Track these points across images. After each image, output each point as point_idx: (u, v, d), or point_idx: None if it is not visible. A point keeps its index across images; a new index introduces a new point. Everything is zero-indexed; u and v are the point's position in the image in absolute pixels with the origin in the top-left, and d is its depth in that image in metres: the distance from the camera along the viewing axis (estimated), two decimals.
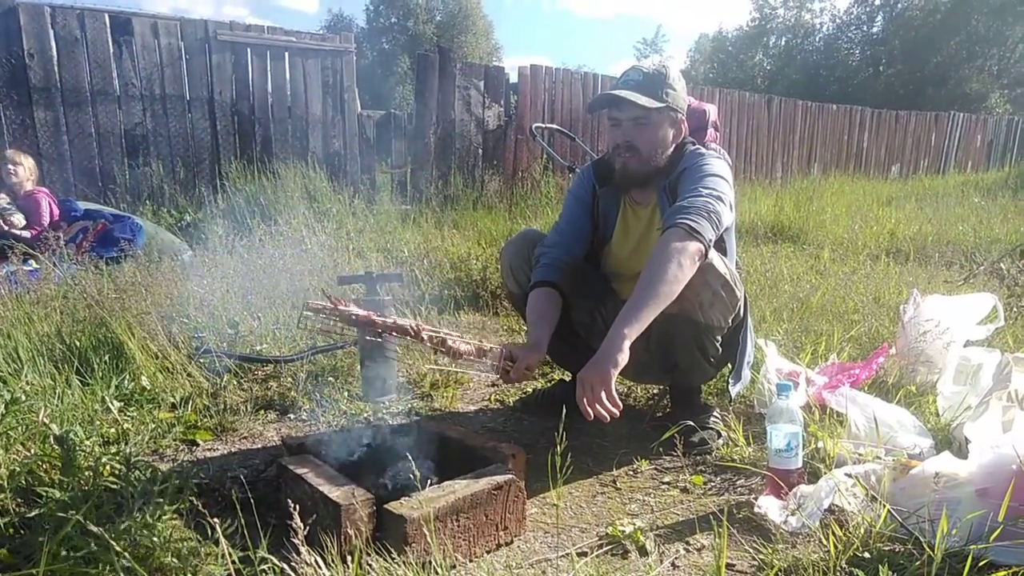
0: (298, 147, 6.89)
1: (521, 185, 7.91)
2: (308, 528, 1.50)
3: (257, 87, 6.69)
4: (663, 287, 1.77)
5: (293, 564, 1.09)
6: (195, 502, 1.56)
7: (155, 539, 1.37)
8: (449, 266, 4.12)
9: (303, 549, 1.08)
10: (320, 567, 1.10)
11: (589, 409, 1.64)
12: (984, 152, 14.71)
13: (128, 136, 6.17)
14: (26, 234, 4.10)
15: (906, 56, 22.94)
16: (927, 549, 1.24)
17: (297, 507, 1.20)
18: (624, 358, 1.71)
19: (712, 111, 2.42)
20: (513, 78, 8.09)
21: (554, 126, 5.47)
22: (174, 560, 1.35)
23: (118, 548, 1.34)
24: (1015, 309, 2.75)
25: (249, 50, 6.60)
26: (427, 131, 7.52)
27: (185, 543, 1.40)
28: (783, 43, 30.34)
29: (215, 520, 1.22)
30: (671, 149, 2.04)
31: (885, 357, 2.29)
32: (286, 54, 6.81)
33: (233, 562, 1.21)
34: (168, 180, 6.20)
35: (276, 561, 1.17)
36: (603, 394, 1.65)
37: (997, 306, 2.25)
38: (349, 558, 1.18)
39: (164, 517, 1.49)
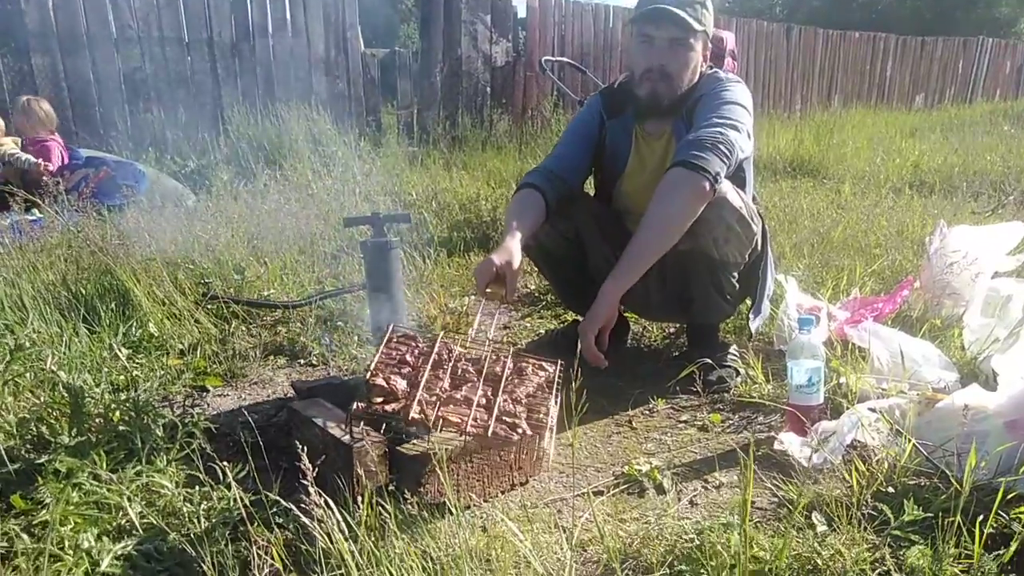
0: (301, 89, 6.72)
1: (531, 124, 7.71)
2: (320, 471, 1.49)
3: (257, 27, 6.49)
4: (662, 232, 1.74)
5: (304, 507, 1.07)
6: (206, 447, 1.55)
7: (167, 484, 1.36)
8: (458, 208, 4.04)
9: (312, 490, 1.05)
10: (332, 509, 1.07)
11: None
12: (1013, 79, 14.16)
13: (128, 81, 6.03)
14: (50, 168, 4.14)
15: None
16: (954, 482, 1.19)
17: (306, 449, 1.17)
18: (608, 313, 1.73)
19: (730, 39, 2.29)
20: (521, 12, 7.80)
21: (565, 59, 5.29)
22: (186, 505, 1.34)
23: (128, 493, 1.33)
24: None
25: None
26: (433, 69, 7.31)
27: (197, 488, 1.39)
28: None
29: (225, 464, 1.20)
30: (696, 77, 1.93)
31: (910, 290, 2.22)
32: None
33: (245, 506, 1.19)
34: (170, 126, 6.09)
35: (287, 505, 1.15)
36: (586, 345, 1.69)
37: None
38: (361, 500, 1.15)
39: (175, 462, 1.48)
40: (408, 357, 1.63)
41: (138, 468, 1.40)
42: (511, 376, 1.63)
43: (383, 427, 1.45)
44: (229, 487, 1.32)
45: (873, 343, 1.84)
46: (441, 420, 1.42)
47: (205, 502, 1.36)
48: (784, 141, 6.44)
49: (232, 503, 1.31)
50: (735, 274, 1.93)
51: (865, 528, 1.17)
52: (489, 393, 1.54)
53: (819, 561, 1.07)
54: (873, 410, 1.49)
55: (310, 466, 1.08)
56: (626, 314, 2.37)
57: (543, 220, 1.91)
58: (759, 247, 1.93)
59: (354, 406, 1.45)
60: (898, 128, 7.93)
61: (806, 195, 4.44)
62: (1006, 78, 14.04)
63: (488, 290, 1.72)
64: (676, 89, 1.89)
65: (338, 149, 5.84)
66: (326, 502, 1.08)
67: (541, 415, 1.52)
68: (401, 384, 1.53)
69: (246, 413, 1.83)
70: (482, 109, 7.61)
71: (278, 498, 1.17)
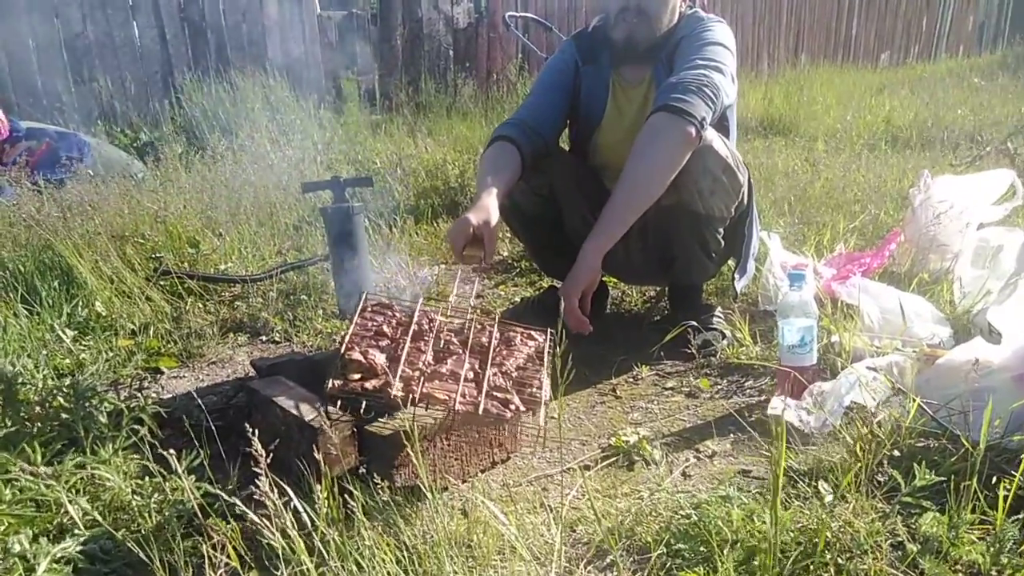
0: (255, 54, 6.42)
1: (496, 88, 7.49)
2: (281, 455, 1.37)
3: None
4: (645, 184, 1.61)
5: (257, 497, 0.95)
6: (158, 433, 1.42)
7: (111, 476, 1.23)
8: (424, 174, 3.88)
9: (264, 479, 0.93)
10: (290, 498, 0.96)
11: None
12: (976, 35, 14.24)
13: (69, 48, 5.68)
14: None
15: None
16: (966, 443, 1.12)
17: (266, 432, 1.06)
18: (591, 274, 1.61)
19: None
20: None
21: (530, 15, 5.10)
22: (135, 498, 1.22)
23: (68, 488, 1.20)
24: None
25: None
26: (393, 33, 7.05)
27: (148, 479, 1.26)
28: None
29: (170, 453, 1.07)
30: (676, 16, 1.81)
31: (896, 244, 2.15)
32: None
33: (196, 498, 1.07)
34: (119, 96, 5.77)
35: (230, 500, 1.03)
36: (568, 309, 1.58)
37: (1015, 183, 2.09)
38: (323, 487, 1.04)
39: (123, 452, 1.35)
40: (385, 328, 1.50)
41: (79, 459, 1.27)
42: (499, 347, 1.51)
43: (355, 406, 1.33)
44: (184, 476, 1.21)
45: (863, 299, 1.76)
46: (427, 397, 1.30)
47: (157, 494, 1.24)
48: (754, 100, 6.36)
49: (186, 495, 1.19)
50: (720, 230, 1.84)
51: (873, 495, 1.10)
52: (476, 366, 1.42)
53: (828, 534, 1.00)
54: (872, 369, 1.42)
55: (263, 451, 0.96)
56: (604, 278, 2.27)
57: (519, 175, 1.78)
58: (745, 201, 1.84)
59: (329, 384, 1.31)
60: (866, 85, 7.88)
61: (780, 153, 4.37)
62: (968, 34, 14.10)
63: (465, 253, 1.57)
64: (655, 30, 1.77)
65: (297, 117, 5.61)
66: (281, 491, 0.96)
67: (534, 389, 1.41)
68: (380, 358, 1.39)
69: (203, 395, 1.70)
70: (445, 73, 7.37)
71: (220, 491, 1.05)
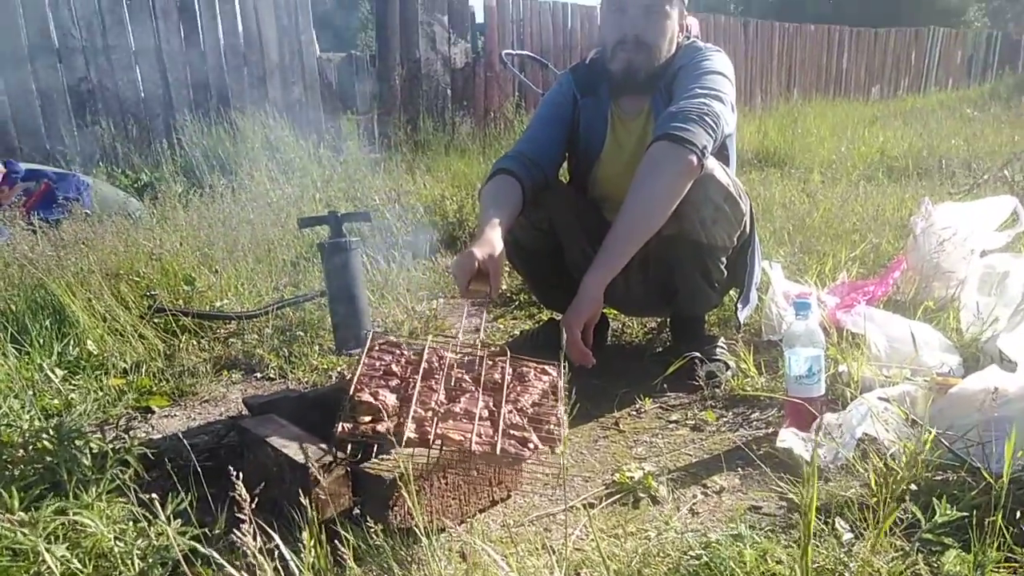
0: (256, 96, 6.49)
1: (494, 126, 7.57)
2: (274, 497, 1.32)
3: (207, 33, 6.24)
4: (647, 214, 1.58)
5: (239, 546, 0.90)
6: (144, 476, 1.37)
7: (92, 521, 1.17)
8: (423, 210, 3.88)
9: (246, 526, 0.88)
10: (276, 543, 0.91)
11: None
12: (964, 68, 14.46)
13: (73, 93, 5.74)
14: None
15: None
16: (987, 476, 1.08)
17: (246, 473, 1.01)
18: (593, 306, 1.56)
19: (695, 25, 2.18)
20: (479, 14, 7.66)
21: (525, 53, 5.17)
22: (117, 544, 1.17)
23: (32, 537, 1.15)
24: None
25: None
26: (391, 73, 7.13)
27: (131, 524, 1.21)
28: None
29: (152, 496, 1.02)
30: (674, 47, 1.81)
31: (900, 272, 2.12)
32: None
33: (179, 545, 1.02)
34: (120, 139, 5.81)
35: (206, 551, 0.97)
36: (570, 342, 1.52)
37: (1018, 209, 2.07)
38: (314, 532, 0.99)
39: (106, 495, 1.30)
40: (394, 367, 1.43)
41: (60, 504, 1.22)
42: (512, 383, 1.44)
43: (354, 447, 1.27)
44: (169, 521, 1.16)
45: (869, 328, 1.73)
46: (441, 438, 1.23)
47: (140, 540, 1.19)
48: (748, 133, 6.41)
49: (172, 540, 1.14)
50: (723, 259, 1.81)
51: (892, 532, 1.05)
52: (491, 404, 1.35)
53: (847, 574, 0.94)
54: (884, 399, 1.37)
55: (247, 495, 0.91)
56: (604, 310, 2.23)
57: (521, 208, 1.75)
58: (747, 230, 1.81)
59: (338, 427, 1.26)
60: (859, 118, 7.97)
61: (776, 185, 4.38)
62: (957, 67, 14.33)
63: (471, 287, 1.53)
64: (653, 60, 1.76)
65: (296, 156, 5.64)
66: (268, 536, 0.91)
67: (552, 426, 1.34)
68: (391, 399, 1.33)
69: (194, 435, 1.66)
70: (443, 112, 7.45)
71: (201, 538, 1.00)
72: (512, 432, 1.28)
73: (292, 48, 6.72)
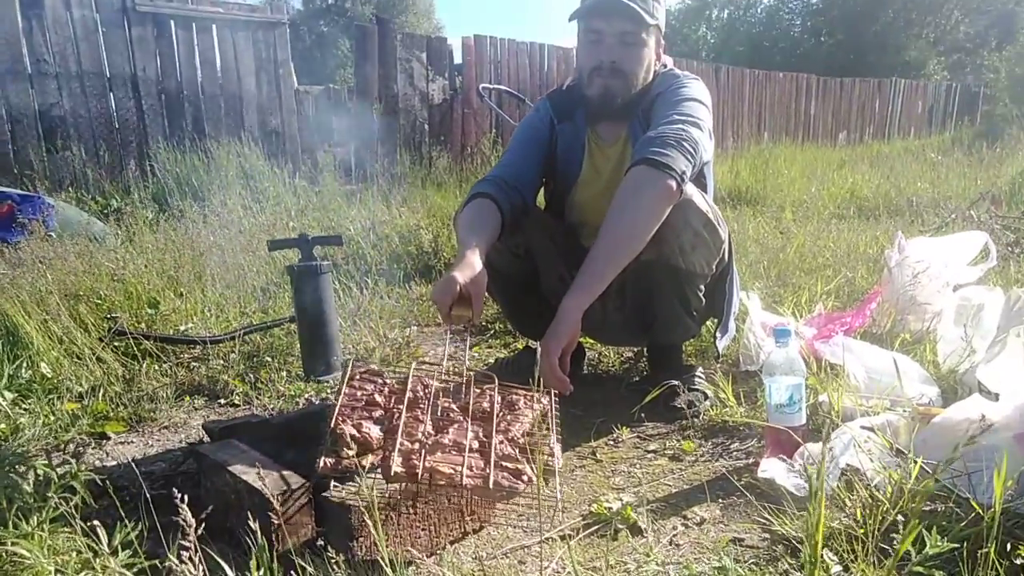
0: (232, 125, 6.46)
1: (471, 160, 7.61)
2: (232, 526, 1.24)
3: (184, 62, 6.21)
4: (626, 238, 1.55)
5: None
6: (92, 504, 1.28)
7: (29, 553, 1.09)
8: (398, 239, 3.84)
9: (187, 556, 0.81)
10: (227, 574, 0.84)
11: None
12: (926, 118, 14.99)
13: (43, 118, 5.65)
14: None
15: (846, 25, 23.28)
16: (976, 507, 1.05)
17: (200, 500, 0.94)
18: (572, 330, 1.51)
19: (670, 63, 2.20)
20: (457, 53, 7.75)
21: (503, 87, 5.20)
22: None
23: None
24: (1001, 250, 2.63)
25: (173, 22, 6.11)
26: (369, 107, 7.16)
27: (75, 555, 1.12)
28: (726, 15, 30.51)
29: (93, 524, 0.95)
30: (651, 74, 1.80)
31: (877, 303, 2.13)
32: (213, 26, 6.33)
33: None
34: (91, 164, 5.71)
35: None
36: (547, 368, 1.47)
37: (989, 244, 2.10)
38: (265, 563, 0.92)
39: (49, 524, 1.21)
40: (377, 397, 1.35)
41: None
42: (502, 412, 1.37)
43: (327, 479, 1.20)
44: (116, 552, 1.07)
45: (847, 358, 1.71)
46: (431, 471, 1.16)
47: (85, 572, 1.10)
48: (721, 172, 6.51)
49: (116, 573, 1.05)
50: (701, 287, 1.79)
51: (881, 565, 1.01)
52: (480, 434, 1.28)
53: None
54: (868, 428, 1.35)
55: (192, 521, 0.85)
56: (581, 339, 2.20)
57: (500, 232, 1.71)
58: (726, 258, 1.80)
59: (320, 463, 1.18)
60: (827, 161, 8.16)
61: (750, 221, 4.43)
62: (919, 116, 14.85)
63: (453, 312, 1.47)
64: (630, 87, 1.76)
65: (271, 185, 5.59)
66: (216, 569, 0.84)
67: (546, 457, 1.27)
68: (375, 431, 1.26)
69: (149, 462, 1.57)
70: (420, 146, 7.48)
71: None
72: (504, 464, 1.22)
73: (270, 79, 6.72)
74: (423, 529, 1.23)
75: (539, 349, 1.55)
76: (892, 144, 12.04)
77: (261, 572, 0.89)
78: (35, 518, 1.20)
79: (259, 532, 1.02)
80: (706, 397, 1.82)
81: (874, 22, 22.60)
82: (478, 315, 1.52)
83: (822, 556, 1.02)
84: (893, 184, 5.41)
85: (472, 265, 1.50)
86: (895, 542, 1.00)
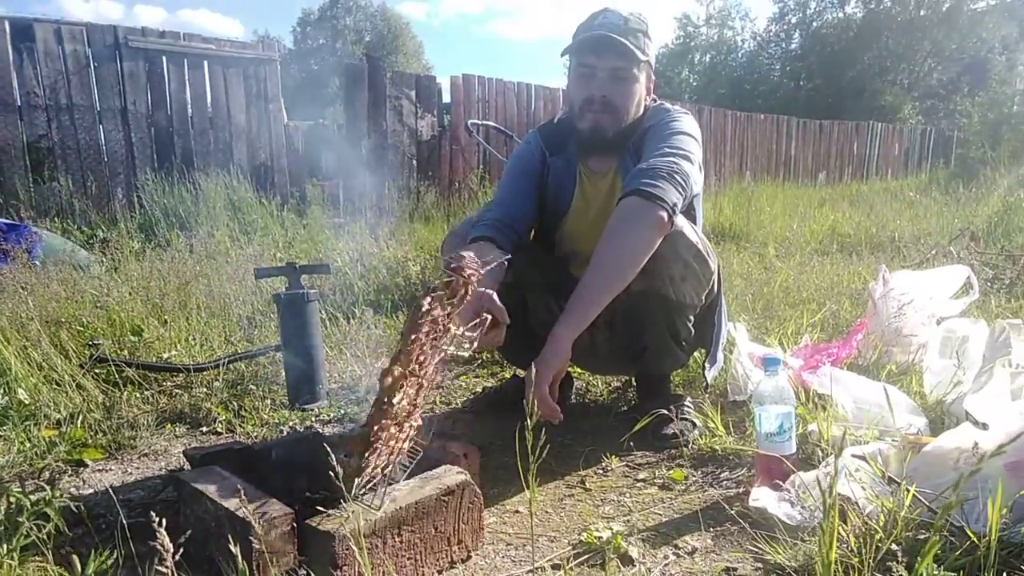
0: (221, 159, 6.47)
1: (458, 196, 7.66)
2: (211, 555, 1.20)
3: (175, 97, 6.25)
4: (617, 267, 1.55)
5: None
6: (67, 532, 1.24)
7: None
8: (385, 271, 3.84)
9: None
10: None
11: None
12: (902, 160, 15.36)
13: (32, 149, 5.64)
14: None
15: (824, 71, 23.99)
16: (971, 535, 1.04)
17: (168, 527, 0.91)
18: (561, 358, 1.51)
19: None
20: (446, 93, 7.86)
21: (491, 123, 5.28)
22: None
23: None
24: (981, 285, 2.67)
25: (164, 58, 6.16)
26: (358, 143, 7.22)
27: None
28: (707, 60, 31.30)
29: (67, 551, 0.92)
30: (641, 109, 1.83)
31: (864, 334, 2.14)
32: (205, 62, 6.39)
33: None
34: (79, 195, 5.69)
35: None
36: (538, 396, 1.45)
37: (971, 278, 2.13)
38: None
39: (19, 552, 1.17)
40: None
41: None
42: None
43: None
44: None
45: (835, 389, 1.72)
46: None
47: None
48: (705, 210, 6.54)
49: None
50: (691, 318, 1.79)
51: None
52: None
53: None
54: (860, 457, 1.34)
55: (169, 546, 0.82)
56: (568, 368, 2.18)
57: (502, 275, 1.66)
58: (715, 289, 1.81)
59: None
60: (808, 199, 8.30)
61: (734, 256, 4.47)
62: (895, 159, 15.22)
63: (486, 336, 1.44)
64: (620, 121, 1.78)
65: (259, 217, 5.58)
66: None
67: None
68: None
69: (128, 490, 1.53)
70: (408, 181, 7.53)
71: None
72: None
73: (260, 114, 6.77)
74: (409, 559, 1.20)
75: (527, 376, 1.54)
76: (870, 184, 12.30)
77: None
78: (4, 546, 1.16)
79: (240, 560, 0.99)
80: (695, 426, 1.80)
81: (851, 68, 23.29)
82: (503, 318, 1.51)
83: None
84: (873, 221, 5.50)
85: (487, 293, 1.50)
86: (891, 571, 0.99)
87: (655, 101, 1.87)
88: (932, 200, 6.62)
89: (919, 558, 0.99)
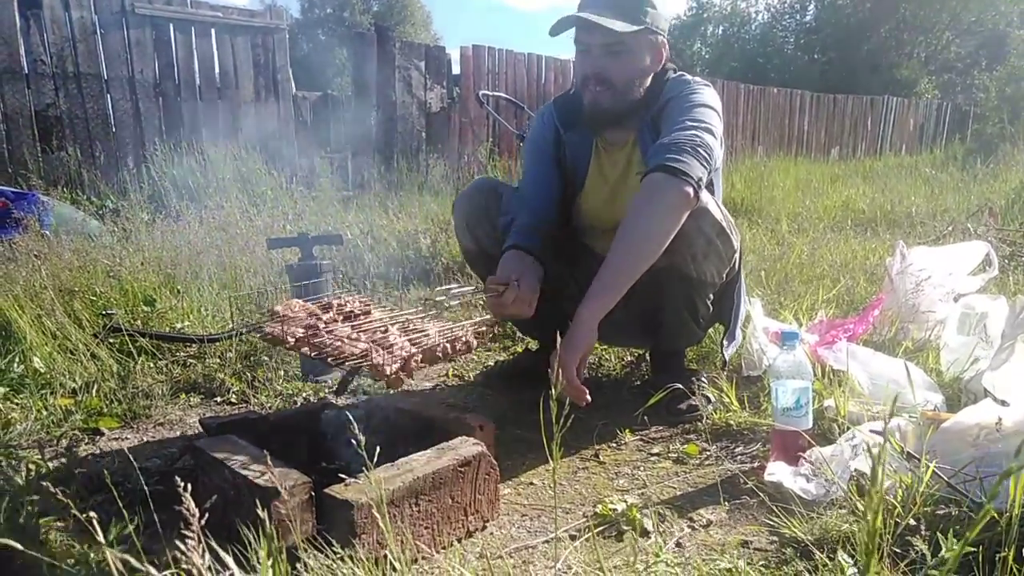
0: (229, 130, 6.44)
1: (467, 169, 7.61)
2: (229, 523, 1.21)
3: (182, 65, 6.20)
4: (643, 245, 1.53)
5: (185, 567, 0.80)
6: (87, 498, 1.25)
7: (16, 545, 1.05)
8: (395, 244, 3.83)
9: (192, 546, 0.79)
10: (232, 571, 0.82)
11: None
12: (917, 135, 15.13)
13: (39, 118, 5.61)
14: None
15: (838, 44, 23.51)
16: (992, 512, 1.03)
17: (197, 494, 0.92)
18: (589, 339, 1.51)
19: None
20: (456, 64, 7.77)
21: (502, 94, 5.21)
22: (51, 571, 1.05)
23: None
24: (999, 262, 2.63)
25: (172, 25, 6.09)
26: (367, 114, 7.16)
27: (70, 549, 1.10)
28: (720, 32, 30.76)
29: (89, 516, 0.92)
30: (650, 79, 1.78)
31: (880, 309, 2.12)
32: (212, 30, 6.32)
33: (121, 572, 0.91)
34: (87, 165, 5.67)
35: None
36: (566, 380, 1.45)
37: (990, 254, 2.10)
38: (277, 558, 0.90)
39: (40, 518, 1.18)
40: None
41: None
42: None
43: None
44: (112, 546, 1.04)
45: (851, 365, 1.70)
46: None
47: (81, 566, 1.07)
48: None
49: (112, 565, 1.02)
50: (710, 295, 1.77)
51: (895, 567, 0.99)
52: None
53: None
54: (878, 432, 1.33)
55: (195, 510, 0.82)
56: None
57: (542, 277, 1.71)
58: (736, 267, 1.79)
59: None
60: (821, 175, 8.21)
61: (746, 231, 4.43)
62: (910, 134, 14.99)
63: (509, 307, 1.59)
64: (622, 95, 1.72)
65: (269, 189, 5.56)
66: (222, 563, 0.82)
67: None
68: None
69: (145, 458, 1.54)
70: (417, 154, 7.47)
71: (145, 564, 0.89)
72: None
73: (268, 84, 6.71)
74: (426, 528, 1.21)
75: (551, 356, 1.52)
76: (884, 160, 12.13)
77: (271, 562, 0.86)
78: (27, 511, 1.17)
79: (263, 526, 0.99)
80: (709, 401, 1.80)
81: (866, 41, 22.84)
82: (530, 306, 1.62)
83: (835, 559, 1.01)
84: (888, 197, 5.43)
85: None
86: (911, 545, 0.98)
87: (675, 72, 1.82)
88: (948, 176, 6.52)
89: (939, 533, 0.99)
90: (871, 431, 1.34)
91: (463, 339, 1.46)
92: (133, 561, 0.81)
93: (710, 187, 1.76)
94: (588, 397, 1.47)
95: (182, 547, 0.79)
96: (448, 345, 1.43)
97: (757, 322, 2.02)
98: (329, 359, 1.35)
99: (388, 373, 1.30)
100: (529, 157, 1.93)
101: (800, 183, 7.12)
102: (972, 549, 0.98)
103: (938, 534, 1.00)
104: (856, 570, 0.98)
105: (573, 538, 1.24)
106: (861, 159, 12.89)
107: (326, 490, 1.18)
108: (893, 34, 23.01)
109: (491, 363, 2.27)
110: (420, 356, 1.38)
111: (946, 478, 1.16)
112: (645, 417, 1.73)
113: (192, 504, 0.83)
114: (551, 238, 1.80)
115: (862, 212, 5.02)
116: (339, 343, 1.38)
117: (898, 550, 1.04)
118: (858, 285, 2.73)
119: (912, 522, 1.09)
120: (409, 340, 1.41)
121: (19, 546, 1.03)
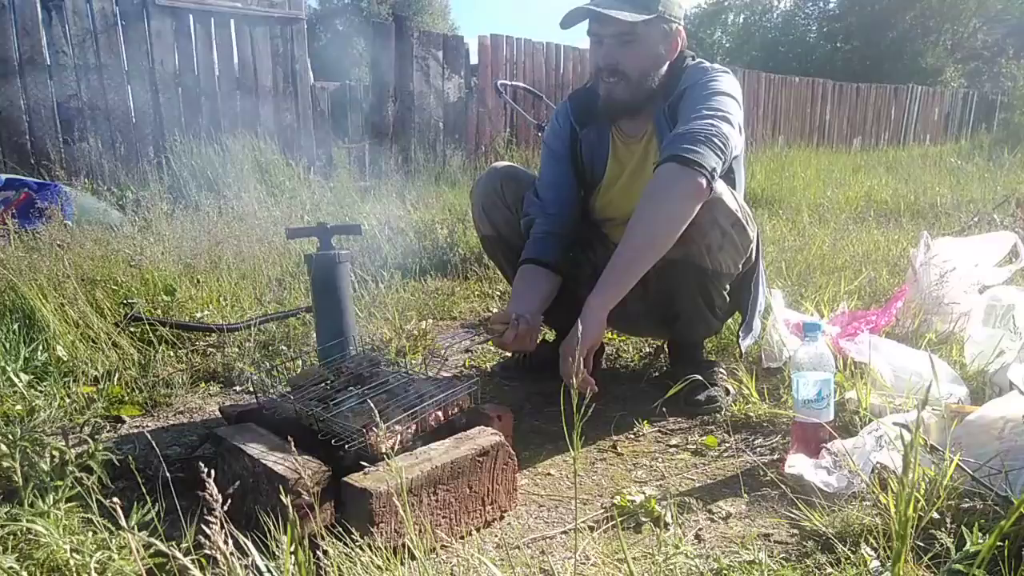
0: (248, 120, 6.47)
1: (485, 160, 7.59)
2: (250, 510, 1.22)
3: (202, 57, 6.23)
4: (654, 237, 1.51)
5: (211, 553, 0.81)
6: (109, 484, 1.27)
7: (44, 530, 1.07)
8: (413, 234, 3.83)
9: (215, 532, 0.79)
10: (253, 557, 0.82)
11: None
12: (942, 125, 14.86)
13: (61, 109, 5.67)
14: None
15: (862, 31, 23.10)
16: (1019, 505, 1.01)
17: (219, 480, 0.92)
18: (597, 331, 1.51)
19: None
20: (474, 54, 7.74)
21: (520, 84, 5.19)
22: (74, 556, 1.06)
23: None
24: None
25: (191, 16, 6.13)
26: (384, 104, 7.16)
27: (91, 535, 1.11)
28: (741, 20, 30.36)
29: (113, 502, 0.93)
30: (665, 67, 1.75)
31: (903, 301, 2.09)
32: (231, 21, 6.35)
33: (143, 557, 0.92)
34: (108, 156, 5.73)
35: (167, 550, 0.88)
36: (573, 369, 1.44)
37: (1018, 245, 2.06)
38: (298, 544, 0.90)
39: (65, 504, 1.20)
40: None
41: (12, 511, 1.11)
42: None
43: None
44: (134, 532, 1.06)
45: (874, 357, 1.68)
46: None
47: (102, 551, 1.09)
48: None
49: (135, 550, 1.04)
50: (726, 286, 1.75)
51: (919, 561, 0.98)
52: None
53: None
54: (902, 424, 1.31)
55: (219, 496, 0.82)
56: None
57: (553, 294, 1.76)
58: (752, 257, 1.76)
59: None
60: (842, 165, 8.09)
61: (766, 222, 4.38)
62: (935, 124, 14.72)
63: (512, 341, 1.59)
64: (637, 85, 1.70)
65: (287, 179, 5.59)
66: (243, 550, 0.82)
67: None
68: None
69: (166, 445, 1.56)
70: (435, 144, 7.47)
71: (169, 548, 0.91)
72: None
73: (286, 75, 6.73)
74: (444, 517, 1.21)
75: (562, 346, 1.53)
76: (908, 150, 11.92)
77: (293, 548, 0.86)
78: (51, 497, 1.19)
79: (286, 513, 1.00)
80: (728, 392, 1.78)
81: (891, 29, 22.43)
82: (532, 342, 1.65)
83: (859, 552, 0.99)
84: (911, 188, 5.34)
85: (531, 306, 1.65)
86: (934, 539, 0.97)
87: (694, 59, 1.79)
88: (974, 166, 6.40)
89: (964, 527, 0.97)
90: (894, 423, 1.32)
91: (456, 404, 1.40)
92: (158, 543, 0.82)
93: (730, 176, 1.73)
94: (595, 388, 1.46)
95: (206, 531, 0.79)
96: (440, 414, 1.37)
97: (778, 313, 2.00)
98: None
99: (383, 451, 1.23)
100: (545, 159, 1.93)
101: (821, 173, 7.02)
102: (999, 543, 0.96)
103: (963, 528, 0.98)
104: (879, 563, 0.96)
105: (591, 529, 1.24)
106: (884, 149, 12.69)
107: (345, 478, 1.18)
108: (918, 21, 22.58)
109: (508, 354, 2.26)
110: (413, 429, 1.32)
111: (971, 471, 1.13)
112: (663, 408, 1.72)
113: (215, 490, 0.83)
114: (568, 240, 1.83)
115: (885, 203, 4.94)
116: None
117: (921, 544, 1.03)
118: (880, 277, 2.69)
119: (935, 516, 1.07)
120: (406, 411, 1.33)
121: (44, 530, 1.05)
